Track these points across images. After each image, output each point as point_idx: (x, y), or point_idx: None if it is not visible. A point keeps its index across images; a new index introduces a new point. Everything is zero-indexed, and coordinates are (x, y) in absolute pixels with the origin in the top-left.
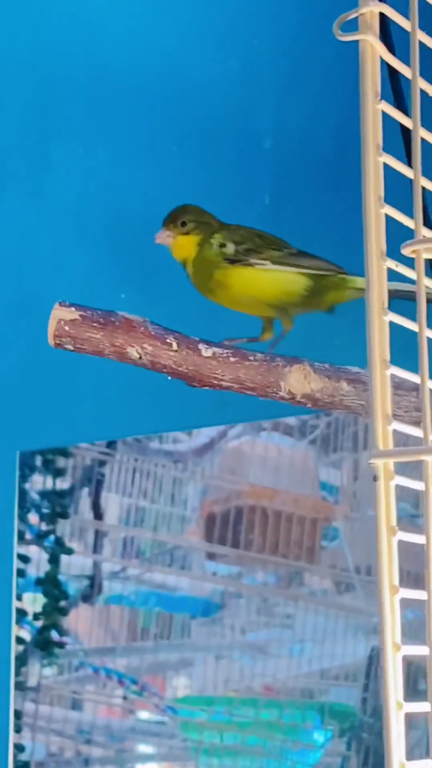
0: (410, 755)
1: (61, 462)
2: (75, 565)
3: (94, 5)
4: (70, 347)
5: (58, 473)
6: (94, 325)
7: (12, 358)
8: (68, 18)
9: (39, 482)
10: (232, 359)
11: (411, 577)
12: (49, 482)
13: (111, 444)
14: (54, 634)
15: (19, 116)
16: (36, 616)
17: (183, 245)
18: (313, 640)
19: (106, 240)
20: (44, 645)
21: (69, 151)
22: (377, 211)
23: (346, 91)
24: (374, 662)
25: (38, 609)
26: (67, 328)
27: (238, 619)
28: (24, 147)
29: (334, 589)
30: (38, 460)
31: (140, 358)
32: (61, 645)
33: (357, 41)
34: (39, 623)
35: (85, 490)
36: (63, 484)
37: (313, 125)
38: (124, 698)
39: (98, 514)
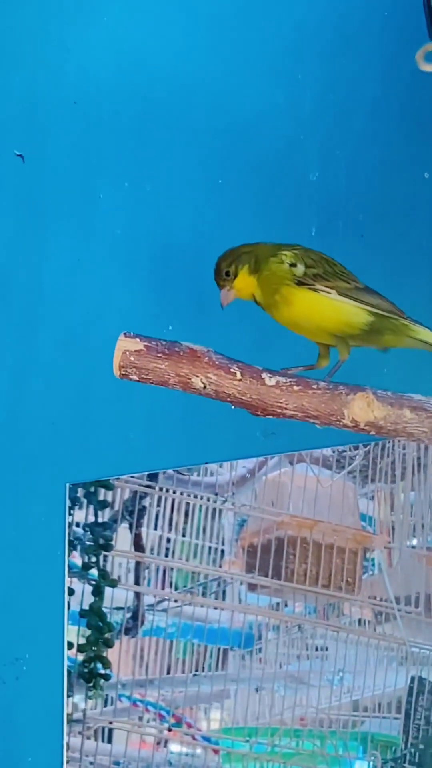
0: None
1: (103, 494)
2: (117, 598)
3: (140, 42)
4: (135, 378)
5: (101, 506)
6: (159, 355)
7: (60, 392)
8: (114, 55)
9: (82, 515)
10: (295, 388)
11: None
12: (91, 515)
13: (152, 476)
14: (98, 667)
15: (66, 152)
16: (80, 648)
17: (241, 288)
18: (353, 671)
19: (153, 273)
20: (89, 677)
21: (116, 186)
22: None
23: (391, 123)
24: (415, 692)
25: (82, 641)
26: (132, 358)
27: (279, 650)
28: (71, 182)
29: (374, 619)
30: (80, 493)
31: (205, 387)
32: (106, 677)
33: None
34: (83, 656)
35: (127, 523)
36: (105, 516)
37: (359, 157)
38: (169, 729)
39: (139, 546)
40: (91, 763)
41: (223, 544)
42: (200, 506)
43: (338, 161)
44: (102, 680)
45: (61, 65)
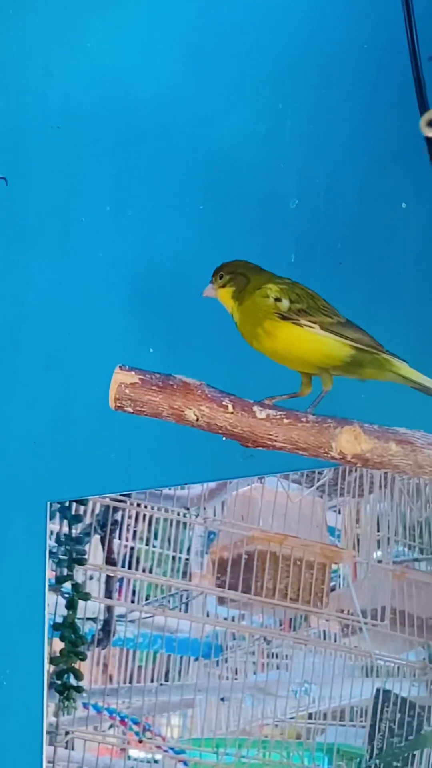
0: None
1: (76, 509)
2: (89, 609)
3: (123, 69)
4: (130, 410)
5: (75, 520)
6: (153, 388)
7: (42, 412)
8: (97, 80)
9: (55, 529)
10: (285, 421)
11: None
12: (65, 528)
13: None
14: (71, 679)
15: (49, 175)
16: (54, 661)
17: (222, 297)
18: (320, 683)
19: (134, 295)
20: (62, 689)
21: (97, 210)
22: None
23: (369, 152)
24: (380, 703)
25: (56, 654)
26: (127, 391)
27: (247, 661)
28: (54, 205)
29: (340, 632)
30: (55, 507)
31: (197, 420)
32: (79, 689)
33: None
34: (56, 668)
35: (99, 536)
36: (79, 530)
37: (337, 186)
38: (140, 741)
39: (111, 560)
40: None
41: (195, 556)
42: (172, 520)
43: (317, 190)
44: (75, 692)
45: (45, 89)
